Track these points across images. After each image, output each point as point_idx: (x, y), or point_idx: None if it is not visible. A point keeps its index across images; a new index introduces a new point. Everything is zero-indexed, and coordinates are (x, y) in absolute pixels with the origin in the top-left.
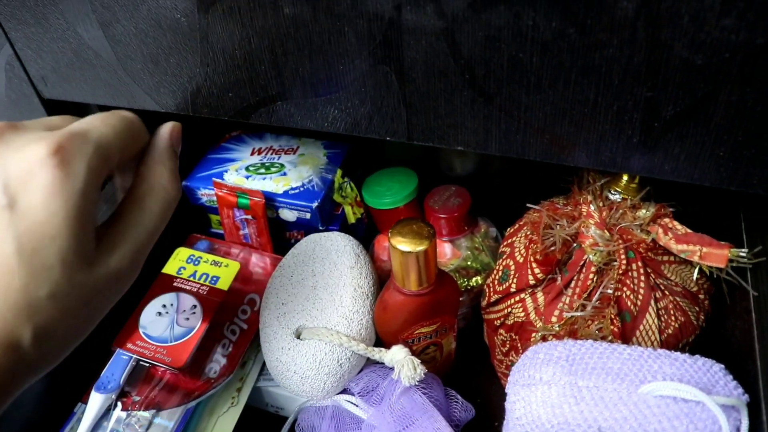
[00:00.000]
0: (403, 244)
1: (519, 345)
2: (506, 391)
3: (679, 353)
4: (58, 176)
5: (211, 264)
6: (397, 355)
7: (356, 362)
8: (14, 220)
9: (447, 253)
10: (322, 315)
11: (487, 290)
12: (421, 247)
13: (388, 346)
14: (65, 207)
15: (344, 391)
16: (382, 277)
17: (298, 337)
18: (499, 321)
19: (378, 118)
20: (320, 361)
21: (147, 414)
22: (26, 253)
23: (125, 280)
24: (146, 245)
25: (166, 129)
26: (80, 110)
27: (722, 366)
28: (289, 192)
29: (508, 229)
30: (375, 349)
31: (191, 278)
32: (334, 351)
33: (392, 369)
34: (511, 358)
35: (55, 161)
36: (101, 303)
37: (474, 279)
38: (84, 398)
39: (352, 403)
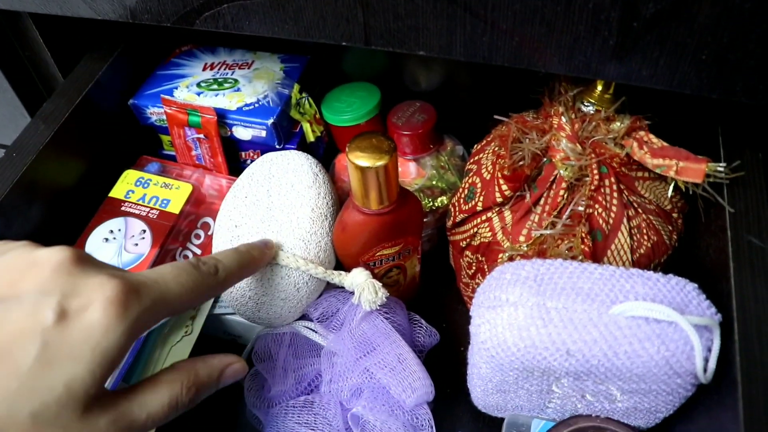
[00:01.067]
0: (362, 159)
1: (486, 267)
2: (471, 313)
3: (652, 272)
4: (108, 320)
5: (161, 186)
6: (357, 279)
7: (315, 287)
8: (51, 330)
9: (411, 172)
10: (278, 237)
11: (452, 210)
12: (380, 162)
13: (348, 270)
14: (100, 345)
15: (303, 317)
16: (342, 198)
17: None
18: (465, 242)
19: (332, 20)
20: (276, 285)
21: None
22: (41, 361)
23: None
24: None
25: (224, 363)
26: (11, 19)
27: (695, 285)
28: (243, 108)
29: (476, 145)
30: (334, 272)
31: (140, 202)
32: (291, 275)
33: (352, 293)
34: (477, 281)
35: (114, 307)
36: None
37: (439, 199)
38: None
39: (310, 329)
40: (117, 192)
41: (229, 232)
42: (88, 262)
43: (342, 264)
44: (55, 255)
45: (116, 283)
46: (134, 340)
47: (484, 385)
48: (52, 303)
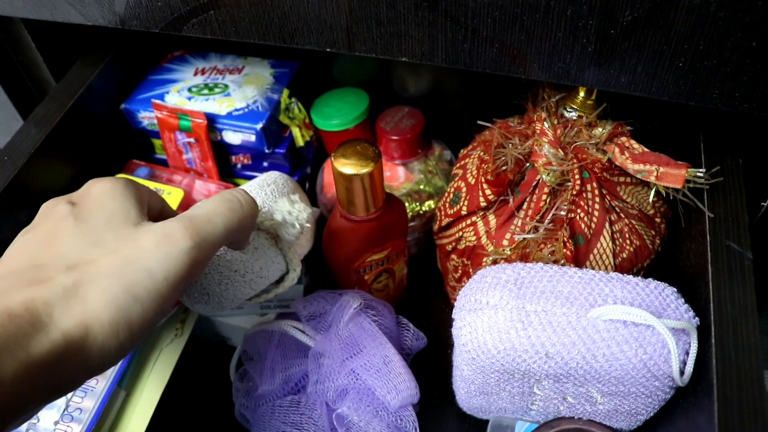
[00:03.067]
0: (347, 166)
1: (471, 270)
2: (453, 316)
3: (631, 276)
4: (110, 185)
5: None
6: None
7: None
8: (74, 210)
9: (400, 176)
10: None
11: (438, 214)
12: (366, 170)
13: (340, 281)
14: (116, 195)
15: (292, 317)
16: (329, 205)
17: None
18: (451, 246)
19: (317, 26)
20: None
21: None
22: (79, 220)
23: (173, 247)
24: (208, 232)
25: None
26: (3, 24)
27: (674, 289)
28: (233, 113)
29: (462, 150)
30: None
31: None
32: None
33: (341, 295)
34: (463, 284)
35: (108, 180)
36: (145, 266)
37: (427, 203)
38: None
39: (298, 329)
40: None
41: None
42: None
43: (333, 274)
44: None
45: (98, 178)
46: (139, 191)
47: (468, 387)
48: (61, 203)
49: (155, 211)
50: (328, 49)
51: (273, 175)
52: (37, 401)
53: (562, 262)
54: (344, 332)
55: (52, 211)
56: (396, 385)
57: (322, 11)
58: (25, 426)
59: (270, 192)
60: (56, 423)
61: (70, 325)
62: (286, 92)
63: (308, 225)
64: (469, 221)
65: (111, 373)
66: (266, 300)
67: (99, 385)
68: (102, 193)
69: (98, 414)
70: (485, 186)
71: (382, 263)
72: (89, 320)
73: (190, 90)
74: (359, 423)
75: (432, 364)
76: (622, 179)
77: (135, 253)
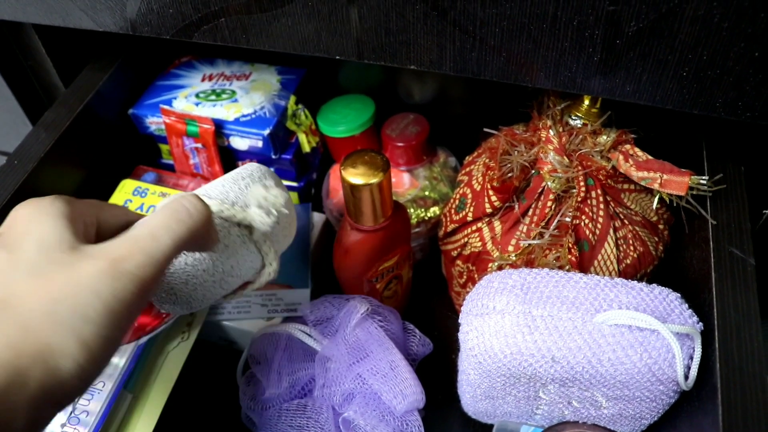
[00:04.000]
0: (358, 177)
1: (476, 276)
2: (459, 321)
3: (635, 282)
4: (30, 202)
5: (159, 196)
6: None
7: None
8: (1, 240)
9: (405, 182)
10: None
11: (444, 220)
12: (375, 179)
13: (351, 292)
14: (33, 208)
15: (298, 320)
16: (335, 212)
17: None
18: (456, 252)
19: (327, 35)
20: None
21: None
22: (9, 248)
23: (118, 271)
24: (153, 249)
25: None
26: (14, 29)
27: (678, 295)
28: (240, 119)
29: (467, 157)
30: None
31: (138, 211)
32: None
33: (348, 300)
34: (468, 289)
35: (28, 201)
36: (90, 289)
37: (432, 209)
38: None
39: (305, 332)
40: (115, 201)
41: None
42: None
43: (344, 289)
44: None
45: (23, 202)
46: (69, 207)
47: (473, 391)
48: None
49: (113, 226)
50: (337, 57)
51: (249, 167)
52: None
53: (567, 267)
54: (351, 337)
55: None
56: (402, 390)
57: (332, 19)
58: None
59: (245, 185)
60: (63, 426)
61: (11, 356)
62: (293, 99)
63: (285, 211)
64: (474, 227)
65: (117, 375)
66: (245, 298)
67: (105, 387)
68: (27, 218)
69: (105, 417)
70: (491, 192)
71: (392, 269)
72: (33, 351)
73: (197, 96)
74: (365, 427)
75: (437, 369)
76: (626, 186)
77: (78, 278)
